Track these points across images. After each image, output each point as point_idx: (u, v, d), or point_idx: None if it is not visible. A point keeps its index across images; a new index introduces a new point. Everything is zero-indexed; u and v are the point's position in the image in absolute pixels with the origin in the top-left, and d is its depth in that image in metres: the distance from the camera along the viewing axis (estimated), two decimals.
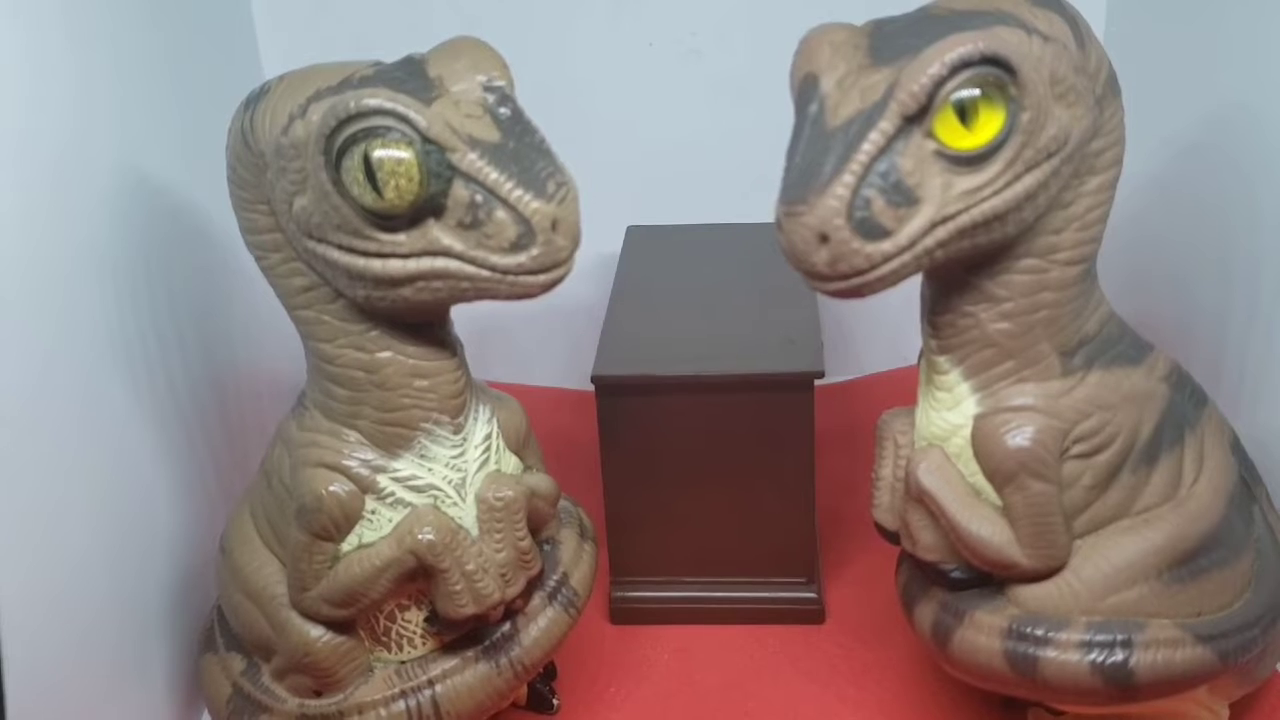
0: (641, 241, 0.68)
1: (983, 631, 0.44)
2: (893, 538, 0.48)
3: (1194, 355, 0.56)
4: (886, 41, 0.39)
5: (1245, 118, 0.56)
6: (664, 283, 0.63)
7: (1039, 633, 0.43)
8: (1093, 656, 0.43)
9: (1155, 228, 0.64)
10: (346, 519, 0.44)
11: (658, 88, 0.72)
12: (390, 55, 0.43)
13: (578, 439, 0.67)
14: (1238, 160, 0.56)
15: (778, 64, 0.44)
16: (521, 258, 0.39)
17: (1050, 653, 0.43)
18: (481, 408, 0.46)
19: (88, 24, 0.49)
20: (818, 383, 0.54)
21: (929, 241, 0.38)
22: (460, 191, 0.39)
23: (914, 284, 0.41)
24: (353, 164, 0.38)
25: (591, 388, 0.55)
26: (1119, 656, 0.42)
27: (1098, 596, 0.43)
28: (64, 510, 0.45)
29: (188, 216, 0.56)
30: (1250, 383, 0.56)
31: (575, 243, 0.40)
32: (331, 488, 0.43)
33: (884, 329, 0.75)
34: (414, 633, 0.47)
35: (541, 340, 0.77)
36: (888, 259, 0.38)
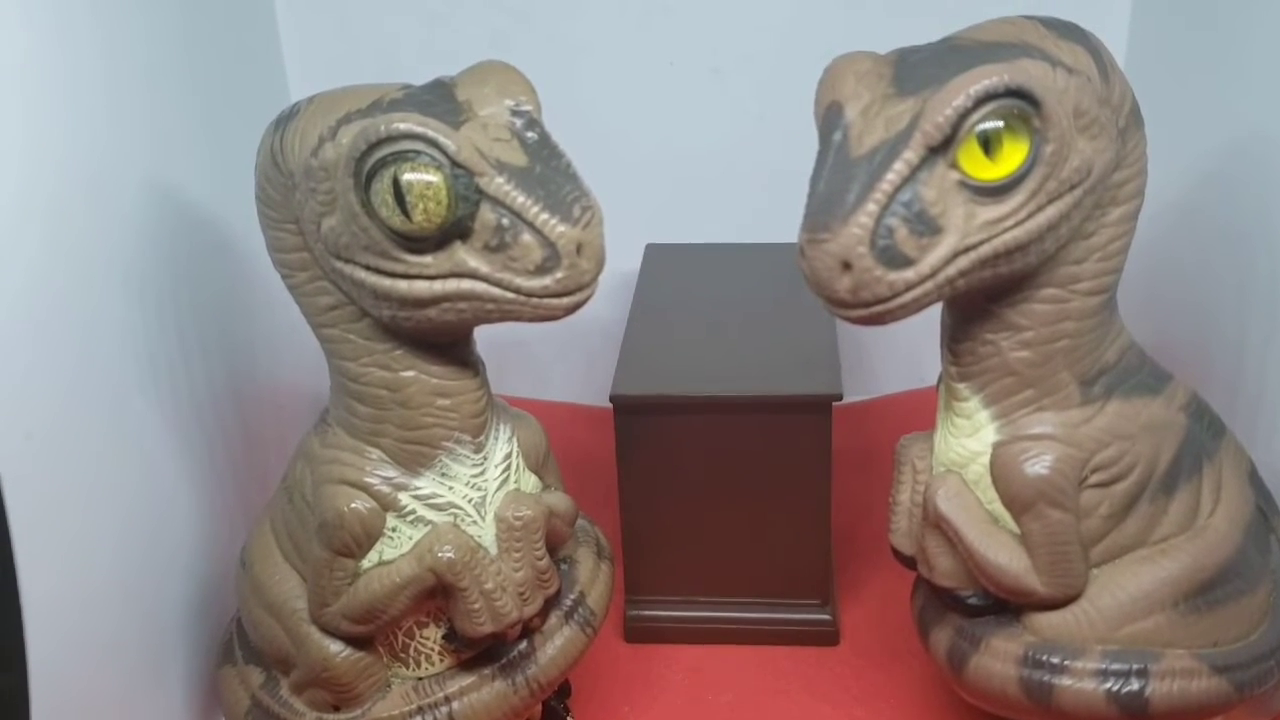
0: (661, 260, 0.68)
1: (998, 658, 0.44)
2: (910, 563, 0.48)
3: (1211, 382, 0.56)
4: (911, 71, 0.39)
5: (1264, 146, 0.56)
6: (683, 302, 0.64)
7: (1055, 660, 0.43)
8: (1108, 685, 0.43)
9: (1174, 254, 0.64)
10: (367, 536, 0.44)
11: (679, 106, 0.72)
12: (417, 76, 0.43)
13: (594, 454, 0.68)
14: (1257, 188, 0.56)
15: (799, 84, 0.44)
16: (546, 280, 0.39)
17: (1066, 681, 0.43)
18: (502, 427, 0.46)
19: (119, 43, 0.50)
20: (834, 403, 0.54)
21: (951, 271, 0.38)
22: (487, 215, 0.39)
23: (932, 306, 0.41)
24: (382, 187, 0.39)
25: (608, 403, 0.55)
26: (1135, 686, 0.43)
27: (1114, 625, 0.43)
28: (88, 521, 0.45)
29: (214, 233, 0.57)
30: (1268, 410, 0.56)
31: (599, 266, 0.40)
32: (353, 505, 0.44)
33: (902, 350, 0.75)
34: (432, 649, 0.47)
35: (559, 356, 0.78)
36: (910, 287, 0.38)
